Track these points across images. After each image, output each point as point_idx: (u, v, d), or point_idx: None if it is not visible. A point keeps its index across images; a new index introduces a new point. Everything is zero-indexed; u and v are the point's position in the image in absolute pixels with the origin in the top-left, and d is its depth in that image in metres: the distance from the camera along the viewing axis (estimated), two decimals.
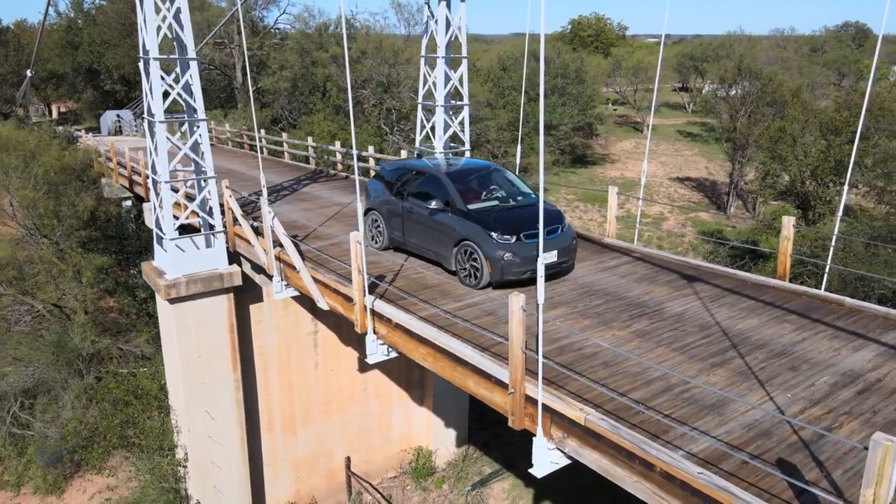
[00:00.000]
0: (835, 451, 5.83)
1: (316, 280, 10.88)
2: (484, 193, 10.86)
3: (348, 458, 17.25)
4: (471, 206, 10.32)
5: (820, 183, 26.31)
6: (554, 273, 10.29)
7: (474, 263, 9.82)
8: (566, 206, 38.60)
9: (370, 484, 17.34)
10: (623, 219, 37.30)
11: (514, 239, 9.72)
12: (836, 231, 9.72)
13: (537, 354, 6.53)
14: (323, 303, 10.80)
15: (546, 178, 37.55)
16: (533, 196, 11.20)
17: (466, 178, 11.02)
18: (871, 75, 9.70)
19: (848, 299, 9.22)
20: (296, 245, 11.37)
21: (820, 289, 9.70)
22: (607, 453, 6.18)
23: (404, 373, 17.86)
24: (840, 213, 9.91)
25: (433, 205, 10.42)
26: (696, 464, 5.64)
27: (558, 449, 6.76)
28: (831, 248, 10.07)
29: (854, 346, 7.96)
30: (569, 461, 6.88)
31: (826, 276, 9.99)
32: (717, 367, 7.49)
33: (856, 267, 17.03)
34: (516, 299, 6.71)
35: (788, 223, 9.72)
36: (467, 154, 16.84)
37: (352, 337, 16.26)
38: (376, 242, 11.93)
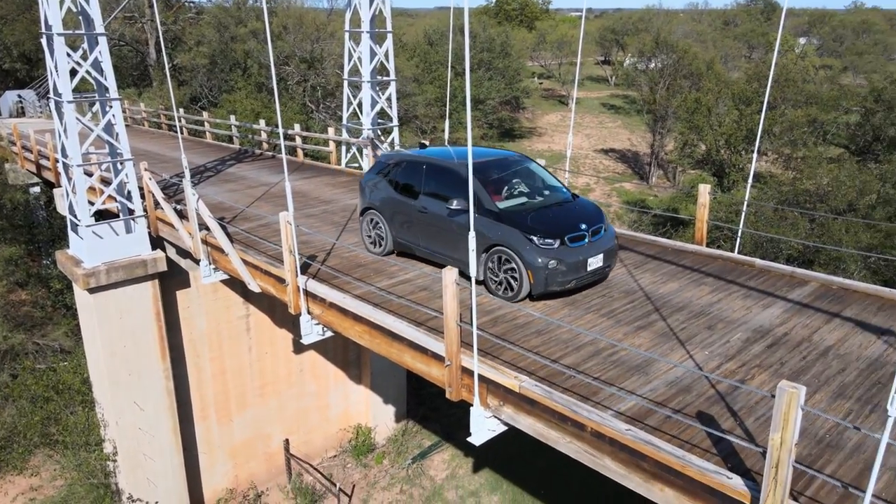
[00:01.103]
0: (748, 401, 6.26)
1: (246, 262, 10.65)
2: (509, 189, 9.35)
3: (287, 441, 17.14)
4: (501, 206, 8.89)
5: (733, 151, 27.64)
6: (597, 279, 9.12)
7: (511, 273, 8.44)
8: None
9: (310, 465, 17.32)
10: None
11: (557, 243, 8.38)
12: (746, 197, 10.30)
13: (472, 327, 6.66)
14: (254, 285, 10.60)
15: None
16: (565, 190, 9.81)
17: (490, 172, 9.41)
18: (776, 48, 10.26)
19: (758, 261, 9.82)
20: (223, 227, 11.07)
21: (734, 252, 10.29)
22: (541, 417, 6.42)
23: (341, 352, 17.81)
24: (751, 180, 10.49)
25: (455, 205, 8.87)
26: (623, 421, 5.94)
27: (495, 417, 6.97)
28: (743, 214, 10.67)
29: (764, 304, 8.52)
30: (505, 427, 7.10)
31: (739, 239, 10.59)
32: (642, 330, 7.86)
33: (766, 230, 18.10)
34: (449, 273, 6.80)
35: (704, 191, 10.22)
36: (395, 131, 16.75)
37: (286, 318, 16.04)
38: (377, 246, 10.37)
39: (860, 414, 6.07)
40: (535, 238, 8.35)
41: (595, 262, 8.70)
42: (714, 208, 21.18)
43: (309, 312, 9.40)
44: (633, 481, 5.75)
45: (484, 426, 6.95)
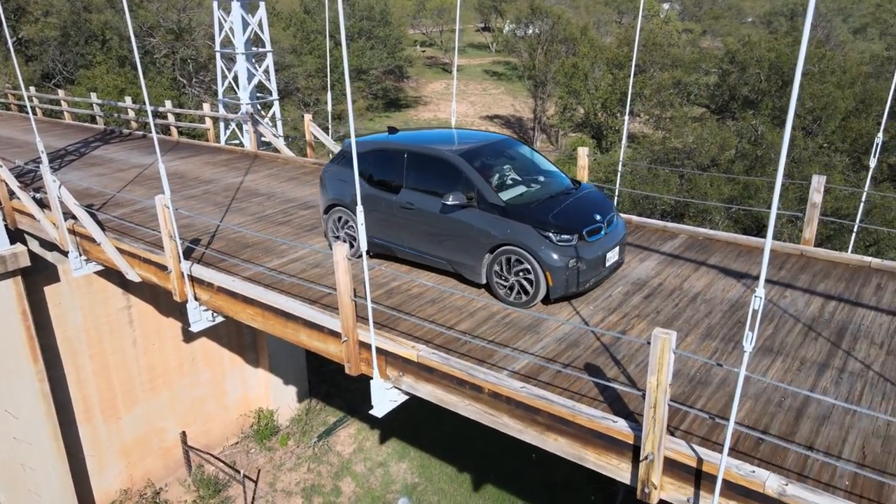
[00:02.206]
0: (629, 350, 6.73)
1: (121, 251, 9.99)
2: (504, 178, 8.31)
3: (184, 433, 16.47)
4: (505, 198, 7.81)
5: (610, 114, 29.01)
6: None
7: (525, 276, 7.47)
8: None
9: (210, 454, 16.78)
10: None
11: (575, 238, 7.47)
12: (621, 157, 10.89)
13: (366, 301, 6.66)
14: (133, 275, 9.97)
15: (361, 125, 37.21)
16: (562, 175, 8.90)
17: (481, 159, 8.28)
18: (639, 13, 10.80)
19: (635, 217, 10.46)
20: (92, 215, 10.28)
21: None
22: (440, 384, 6.57)
23: (235, 336, 17.23)
24: (624, 141, 11.08)
25: (451, 200, 7.66)
26: (518, 380, 6.21)
27: (395, 387, 7.05)
28: (619, 174, 11.29)
29: (641, 258, 9.11)
30: (407, 397, 7.21)
31: (617, 198, 11.21)
32: None
33: (642, 188, 19.27)
34: (340, 249, 6.74)
35: (583, 153, 10.69)
36: (276, 105, 16.15)
37: (172, 307, 15.25)
38: (347, 248, 9.22)
39: (724, 351, 6.69)
40: (551, 234, 7.36)
41: (612, 257, 7.94)
42: (594, 169, 22.23)
43: (196, 299, 9.00)
44: (530, 435, 6.04)
45: (385, 397, 7.02)
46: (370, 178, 8.72)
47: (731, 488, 4.95)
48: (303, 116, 14.43)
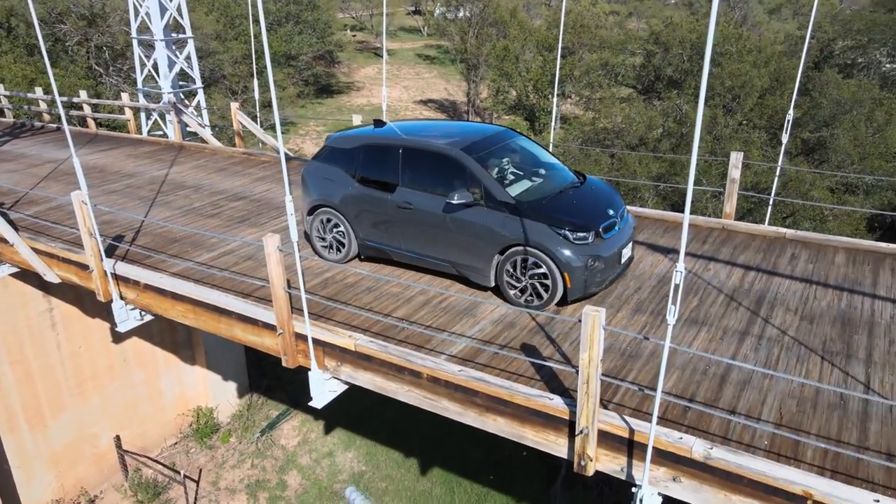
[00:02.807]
0: (563, 329, 6.88)
1: (37, 251, 9.47)
2: (508, 173, 7.84)
3: (118, 437, 15.87)
4: (513, 195, 7.33)
5: (541, 96, 29.38)
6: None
7: (540, 278, 7.07)
8: (318, 139, 38.08)
9: (147, 457, 16.25)
10: None
11: (592, 236, 7.07)
12: (552, 138, 11.07)
13: (300, 292, 6.55)
14: (52, 275, 9.49)
15: (292, 111, 36.42)
16: (564, 167, 8.44)
17: (484, 152, 7.77)
18: None
19: None
20: (3, 214, 9.70)
21: None
22: (379, 371, 6.56)
23: (168, 334, 16.67)
24: (554, 123, 11.26)
25: (456, 199, 7.11)
26: (456, 364, 6.26)
27: (334, 377, 7.00)
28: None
29: None
30: (346, 386, 7.17)
31: None
32: None
33: (574, 167, 19.63)
34: (271, 240, 6.59)
35: None
36: (200, 93, 15.58)
37: (98, 307, 14.60)
38: (335, 251, 8.48)
39: (654, 325, 6.94)
40: (567, 232, 6.93)
41: (626, 253, 7.60)
42: None
43: (122, 298, 8.65)
44: (469, 417, 6.12)
45: (324, 388, 6.96)
46: (360, 177, 8.07)
47: (661, 455, 5.16)
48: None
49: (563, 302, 7.17)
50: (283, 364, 7.17)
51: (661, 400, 5.39)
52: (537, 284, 7.10)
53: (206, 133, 14.43)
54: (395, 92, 49.51)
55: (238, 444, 17.45)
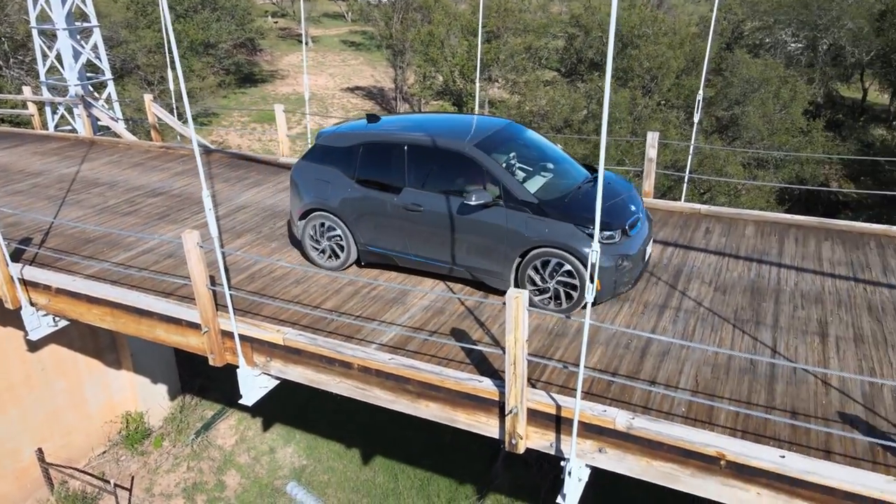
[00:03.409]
0: (492, 312, 6.99)
1: None
2: (521, 168, 7.43)
3: (40, 450, 15.10)
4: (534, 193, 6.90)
5: (468, 80, 29.47)
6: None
7: (568, 280, 6.67)
8: (242, 130, 37.02)
9: (74, 468, 15.55)
10: (303, 135, 37.16)
11: (619, 234, 6.75)
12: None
13: (224, 288, 6.39)
14: None
15: (214, 102, 35.21)
16: (573, 161, 7.98)
17: (499, 148, 7.34)
18: None
19: None
20: None
21: None
22: (310, 364, 6.49)
23: (90, 339, 15.92)
24: (477, 107, 11.33)
25: (474, 199, 6.65)
26: (386, 352, 6.27)
27: (264, 373, 6.88)
28: None
29: None
30: (277, 381, 7.07)
31: None
32: None
33: None
34: (190, 237, 6.39)
35: None
36: (111, 85, 14.83)
37: (8, 315, 13.78)
38: (332, 258, 7.90)
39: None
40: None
41: (648, 249, 7.30)
42: None
43: (32, 304, 8.20)
44: (402, 404, 6.15)
45: (255, 385, 6.84)
46: (360, 177, 7.51)
47: (587, 429, 5.35)
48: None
49: (593, 304, 6.71)
50: (211, 363, 6.99)
51: (586, 375, 5.59)
52: (565, 287, 6.69)
53: (120, 127, 13.77)
54: (322, 80, 48.57)
55: (172, 448, 16.93)
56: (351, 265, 7.95)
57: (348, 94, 46.57)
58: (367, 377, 6.20)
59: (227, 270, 7.97)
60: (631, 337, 6.42)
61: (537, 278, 6.78)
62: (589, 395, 5.61)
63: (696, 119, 9.44)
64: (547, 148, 8.03)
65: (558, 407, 5.41)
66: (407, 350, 6.34)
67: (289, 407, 17.81)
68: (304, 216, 7.93)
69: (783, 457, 4.77)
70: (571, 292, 6.67)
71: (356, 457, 16.91)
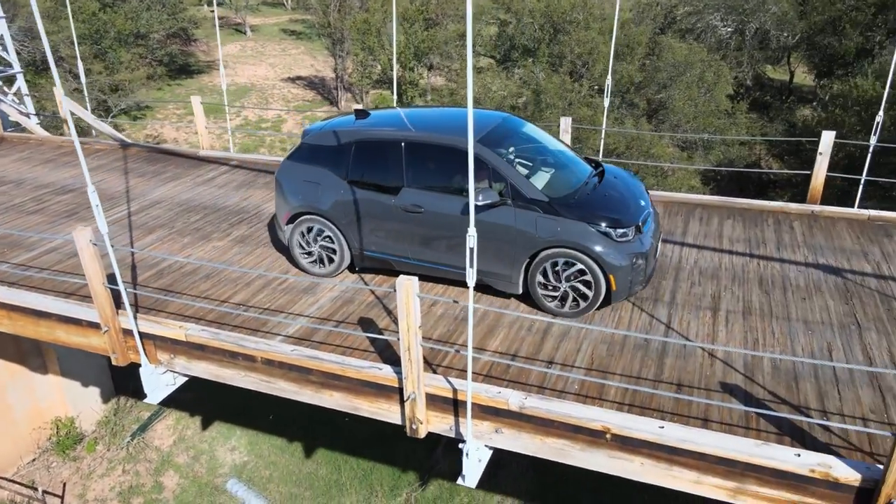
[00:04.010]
0: (393, 300, 7.02)
1: None
2: (524, 164, 7.04)
3: None
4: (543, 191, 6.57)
5: (406, 68, 29.33)
6: None
7: (583, 281, 6.37)
8: (178, 123, 36.03)
9: (1, 477, 15.03)
10: (243, 127, 36.50)
11: (632, 232, 6.44)
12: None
13: (121, 285, 6.25)
14: None
15: (148, 94, 34.18)
16: (573, 154, 7.67)
17: (502, 144, 6.99)
18: None
19: None
20: None
21: None
22: (213, 359, 6.43)
23: (11, 343, 15.32)
24: (395, 95, 11.30)
25: (481, 199, 6.26)
26: (291, 344, 6.25)
27: (170, 370, 6.78)
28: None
29: None
30: (185, 378, 6.98)
31: None
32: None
33: None
34: (82, 234, 6.22)
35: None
36: (20, 78, 14.20)
37: None
38: (323, 265, 7.49)
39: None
40: (609, 230, 6.29)
41: (658, 245, 7.03)
42: None
43: None
44: (306, 395, 6.17)
45: (159, 383, 6.73)
46: (353, 178, 7.06)
47: (483, 410, 5.46)
48: (74, 90, 12.65)
49: (606, 304, 6.64)
50: (114, 362, 6.86)
51: (486, 359, 5.72)
52: (580, 288, 6.40)
53: (31, 122, 13.23)
54: (261, 70, 47.58)
55: (106, 452, 16.51)
56: (342, 271, 7.58)
57: (289, 85, 45.77)
58: (271, 369, 6.18)
59: (133, 268, 7.81)
60: (534, 320, 6.56)
61: (547, 280, 6.48)
62: (488, 377, 5.73)
63: (605, 104, 9.66)
64: (547, 141, 7.65)
65: (454, 391, 5.50)
66: (313, 340, 6.34)
67: (229, 404, 17.56)
68: (291, 220, 7.47)
69: (662, 427, 4.97)
70: (586, 294, 6.38)
71: (298, 450, 16.81)
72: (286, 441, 17.02)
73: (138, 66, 33.75)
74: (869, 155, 8.73)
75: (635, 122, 19.33)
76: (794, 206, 8.74)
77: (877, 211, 8.46)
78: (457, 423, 5.63)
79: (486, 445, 5.61)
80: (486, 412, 5.45)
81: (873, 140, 8.48)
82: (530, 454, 5.46)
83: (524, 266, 6.52)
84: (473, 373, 5.77)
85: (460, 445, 5.56)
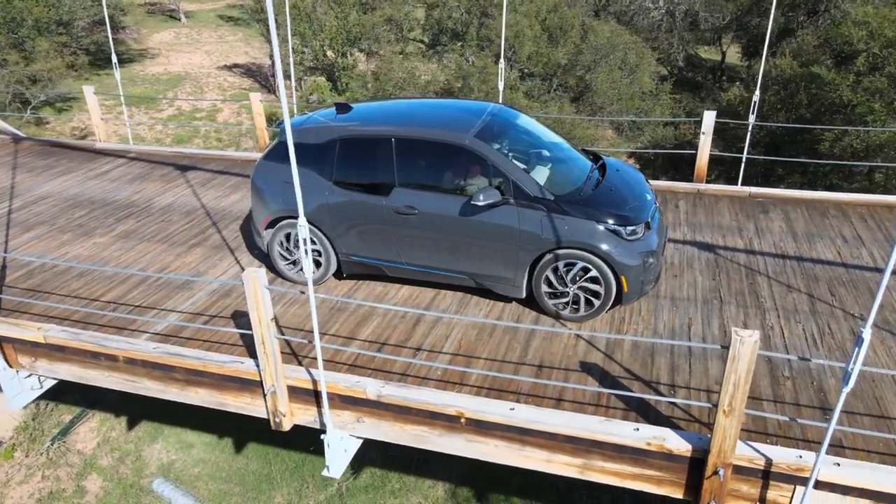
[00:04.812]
0: (274, 295, 6.90)
1: None
2: (521, 158, 6.55)
3: None
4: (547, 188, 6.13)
5: (339, 53, 28.88)
6: None
7: (592, 284, 6.00)
8: (107, 115, 34.76)
9: None
10: (176, 117, 35.41)
11: (642, 229, 6.08)
12: (293, 100, 10.92)
13: None
14: None
15: (75, 85, 32.82)
16: (571, 148, 7.16)
17: (499, 138, 6.51)
18: None
19: None
20: None
21: None
22: (75, 360, 6.22)
23: None
24: (286, 83, 11.08)
25: (482, 199, 5.88)
26: (158, 342, 6.08)
27: (34, 374, 6.53)
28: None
29: None
30: (54, 381, 6.75)
31: None
32: (196, 247, 8.01)
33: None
34: None
35: (255, 98, 10.52)
36: None
37: None
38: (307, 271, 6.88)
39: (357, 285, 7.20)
40: (619, 228, 5.92)
41: (665, 242, 6.74)
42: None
43: None
44: (171, 392, 6.03)
45: (23, 388, 6.50)
46: (338, 178, 6.52)
47: (344, 400, 5.42)
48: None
49: (616, 306, 6.35)
50: None
51: (352, 350, 5.67)
52: (588, 290, 6.04)
53: None
54: (197, 58, 46.22)
55: (25, 458, 15.96)
56: (328, 278, 7.06)
57: (225, 73, 44.61)
58: (134, 368, 6.01)
59: (3, 268, 7.49)
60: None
61: (554, 282, 6.10)
62: (354, 367, 5.69)
63: (500, 87, 9.67)
64: (542, 134, 7.18)
65: (314, 382, 5.44)
66: (180, 337, 6.18)
67: (157, 403, 17.11)
68: (270, 225, 6.91)
69: (513, 409, 5.01)
70: (597, 294, 6.01)
71: (229, 446, 16.56)
72: (216, 437, 16.74)
73: (59, 55, 32.34)
74: (748, 133, 8.97)
75: (560, 107, 19.48)
76: (681, 184, 8.92)
77: (757, 188, 8.70)
78: (320, 415, 5.57)
79: (351, 435, 5.58)
80: (347, 402, 5.41)
81: (752, 119, 8.70)
82: (392, 442, 5.47)
83: (528, 269, 6.15)
84: (339, 363, 5.74)
85: (322, 437, 5.51)
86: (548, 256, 6.00)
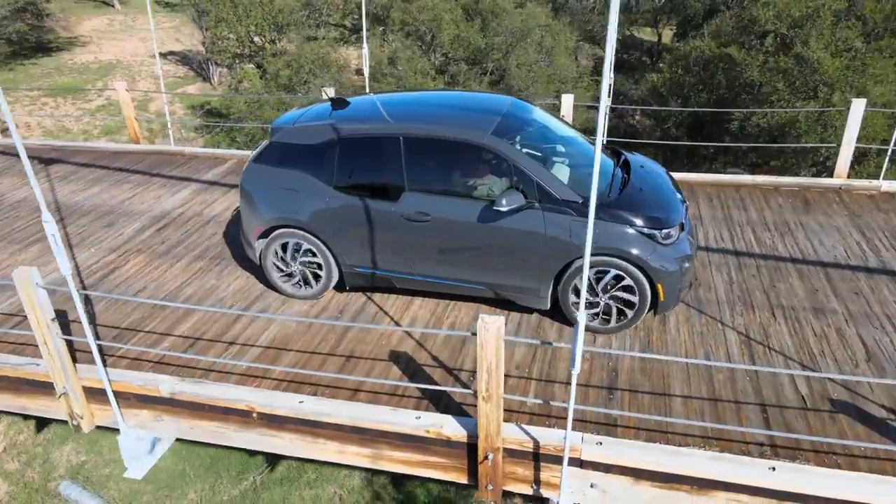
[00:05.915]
0: (115, 285, 6.69)
1: None
2: (538, 157, 5.93)
3: None
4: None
5: (267, 40, 28.28)
6: None
7: (625, 293, 5.49)
8: (31, 105, 33.52)
9: None
10: (105, 107, 34.25)
11: (677, 232, 5.57)
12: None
13: None
14: None
15: None
16: (586, 141, 6.51)
17: (517, 136, 5.94)
18: None
19: (188, 148, 10.36)
20: None
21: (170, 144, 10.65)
22: None
23: None
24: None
25: (506, 204, 5.33)
26: None
27: None
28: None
29: (175, 190, 9.08)
30: None
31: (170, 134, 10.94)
32: (32, 245, 7.71)
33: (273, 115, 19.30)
34: None
35: (122, 87, 10.14)
36: None
37: None
38: (306, 285, 6.39)
39: (207, 269, 7.01)
40: (654, 232, 5.41)
41: (696, 244, 6.27)
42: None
43: None
44: None
45: None
46: (340, 182, 5.95)
47: (141, 399, 5.31)
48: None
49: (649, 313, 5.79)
50: None
51: (158, 350, 5.50)
52: (620, 299, 5.54)
53: None
54: (132, 45, 44.79)
55: None
56: (328, 289, 6.43)
57: (161, 60, 43.38)
58: None
59: None
60: (233, 302, 6.39)
61: (587, 292, 5.55)
62: (160, 364, 5.53)
63: (365, 73, 9.51)
64: (560, 129, 6.56)
65: (110, 382, 5.26)
66: None
67: None
68: (264, 235, 6.32)
69: (301, 402, 4.93)
70: (631, 303, 5.51)
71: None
72: None
73: None
74: (605, 116, 8.96)
75: (492, 89, 19.40)
76: None
77: None
78: (120, 414, 5.40)
79: (153, 435, 5.43)
80: (143, 400, 5.26)
81: (608, 102, 8.71)
82: (191, 439, 5.34)
83: (553, 278, 5.63)
84: (146, 361, 5.57)
85: (117, 437, 5.35)
86: (576, 264, 5.48)
